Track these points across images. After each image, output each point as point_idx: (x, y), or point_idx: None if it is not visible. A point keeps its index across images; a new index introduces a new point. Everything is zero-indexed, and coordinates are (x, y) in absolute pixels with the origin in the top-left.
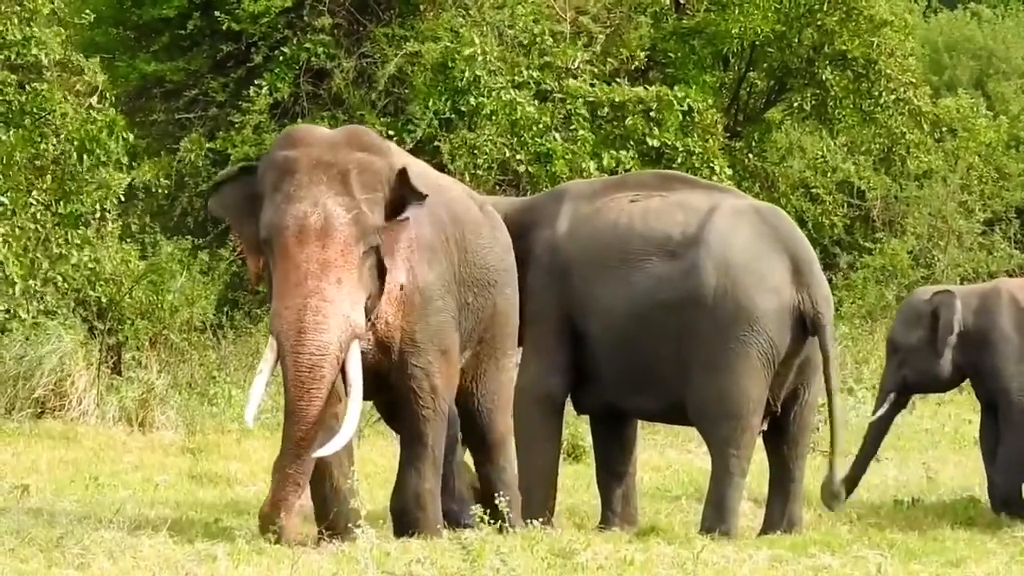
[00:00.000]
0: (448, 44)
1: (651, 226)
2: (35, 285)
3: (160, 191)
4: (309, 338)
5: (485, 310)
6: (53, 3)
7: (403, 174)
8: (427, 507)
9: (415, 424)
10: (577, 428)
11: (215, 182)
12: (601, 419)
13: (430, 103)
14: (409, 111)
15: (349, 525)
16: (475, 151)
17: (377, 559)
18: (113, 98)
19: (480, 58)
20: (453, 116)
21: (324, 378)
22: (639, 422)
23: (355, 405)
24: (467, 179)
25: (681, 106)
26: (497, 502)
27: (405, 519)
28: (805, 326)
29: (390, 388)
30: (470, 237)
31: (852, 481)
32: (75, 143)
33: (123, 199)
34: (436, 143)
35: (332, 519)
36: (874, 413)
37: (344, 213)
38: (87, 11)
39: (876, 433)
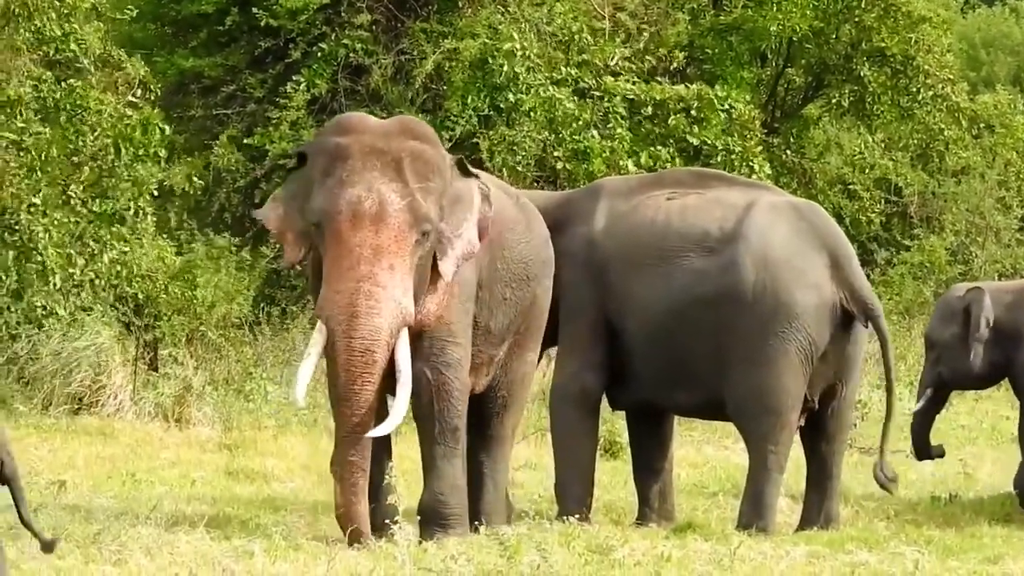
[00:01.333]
0: (487, 40)
1: (689, 223)
2: (73, 279)
3: (195, 190)
4: (362, 322)
5: (524, 302)
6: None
7: (461, 162)
8: (461, 502)
9: (448, 417)
10: (614, 424)
11: (288, 169)
12: (637, 415)
13: (468, 100)
14: (447, 107)
15: (386, 521)
16: (515, 148)
17: (414, 555)
18: (157, 91)
19: (519, 54)
20: (492, 113)
21: (376, 363)
22: (675, 418)
23: (404, 391)
24: (505, 175)
25: (723, 106)
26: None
27: (438, 514)
28: (843, 322)
29: (416, 379)
30: (506, 234)
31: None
32: (111, 139)
33: (158, 195)
34: (475, 140)
35: (370, 515)
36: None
37: (398, 199)
38: (128, 7)
39: (918, 427)
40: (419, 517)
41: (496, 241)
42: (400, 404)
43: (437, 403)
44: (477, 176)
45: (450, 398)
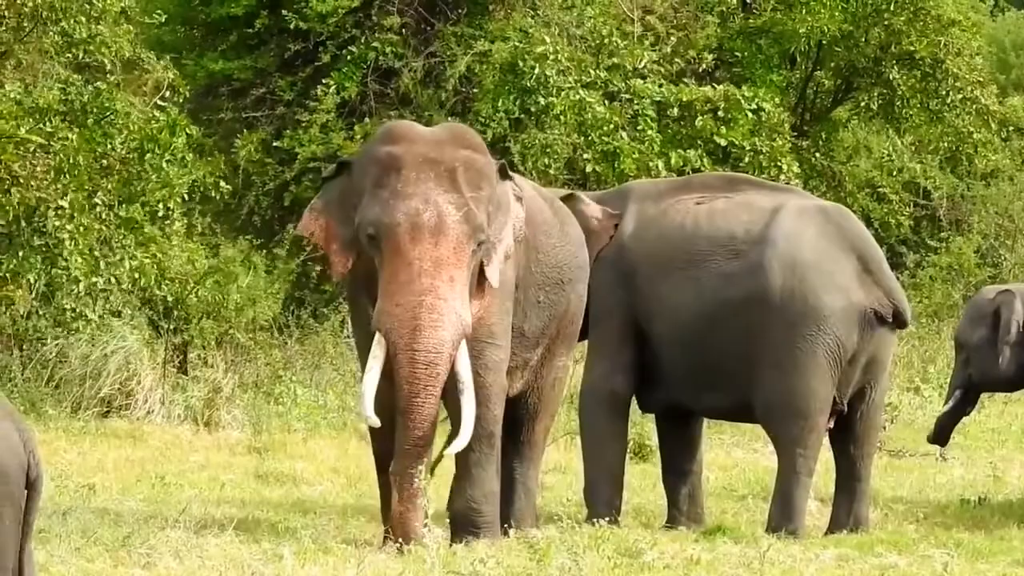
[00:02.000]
0: (518, 44)
1: (717, 226)
2: (100, 283)
3: (223, 192)
4: (425, 335)
5: (559, 306)
6: (123, 2)
7: (503, 168)
8: (494, 508)
9: (483, 422)
10: (643, 428)
11: (323, 177)
12: (666, 418)
13: (499, 103)
14: (476, 109)
15: (416, 524)
16: (547, 151)
17: (443, 558)
18: (185, 95)
19: (551, 57)
20: (522, 116)
21: (439, 376)
22: (704, 421)
23: (469, 403)
24: (536, 178)
25: (750, 106)
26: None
27: (471, 521)
28: (872, 325)
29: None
30: (541, 237)
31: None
32: (136, 142)
33: (187, 198)
34: (506, 143)
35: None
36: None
37: (455, 211)
38: (157, 11)
39: (944, 420)
40: (450, 522)
41: (531, 243)
42: (467, 417)
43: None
44: (512, 179)
45: (487, 402)
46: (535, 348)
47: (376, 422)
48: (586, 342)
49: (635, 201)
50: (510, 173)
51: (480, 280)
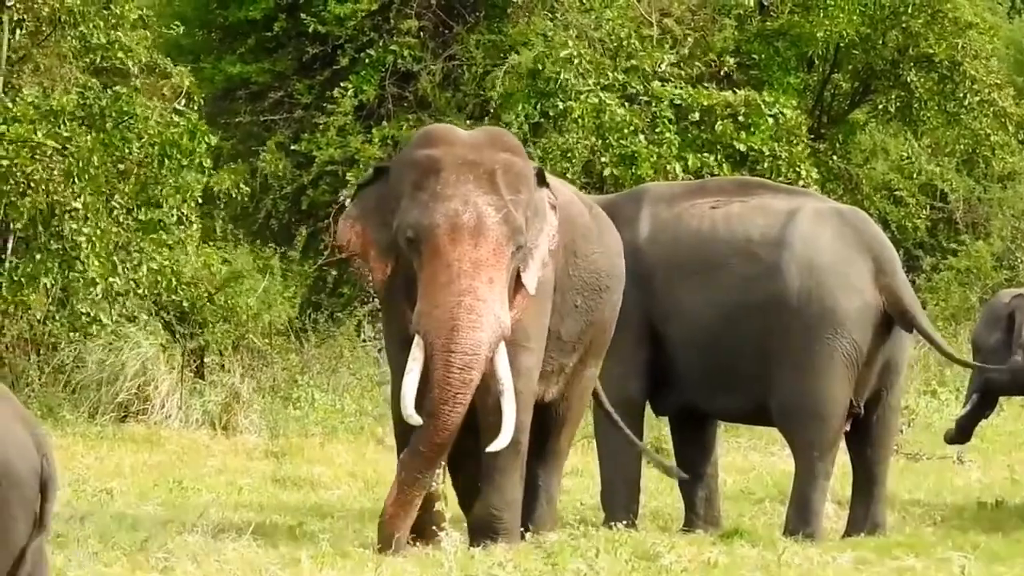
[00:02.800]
0: (541, 49)
1: (733, 230)
2: (117, 287)
3: (241, 196)
4: (463, 336)
5: (595, 313)
6: (142, 10)
7: (541, 173)
8: (515, 516)
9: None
10: (661, 431)
11: (359, 184)
12: (681, 421)
13: (519, 108)
14: (497, 113)
15: (433, 528)
16: (569, 155)
17: (460, 562)
18: (201, 101)
19: (576, 61)
20: (542, 120)
21: (473, 380)
22: (720, 424)
23: (509, 405)
24: None
25: (770, 111)
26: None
27: (491, 528)
28: (887, 327)
29: (486, 389)
30: (580, 242)
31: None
32: (156, 147)
33: (202, 202)
34: (527, 148)
35: (417, 522)
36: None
37: (495, 212)
38: (175, 21)
39: (963, 422)
40: (469, 527)
41: (569, 247)
42: (508, 418)
43: (500, 414)
44: (548, 185)
45: (518, 408)
46: (571, 354)
47: (418, 420)
48: None
49: (649, 204)
50: (548, 179)
51: (517, 286)
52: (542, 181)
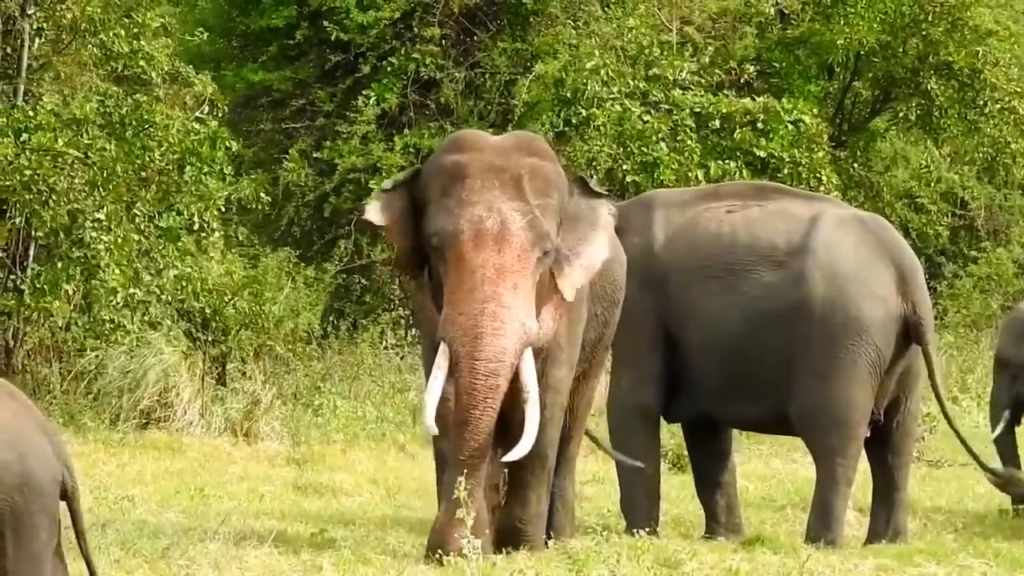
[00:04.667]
0: (568, 59)
1: (755, 235)
2: (139, 295)
3: (263, 204)
4: (487, 343)
5: (606, 323)
6: (164, 19)
7: (582, 181)
8: (539, 530)
9: (539, 443)
10: (682, 438)
11: (380, 190)
12: (694, 429)
13: (543, 117)
14: (519, 121)
15: (455, 535)
16: (594, 163)
17: (483, 570)
18: (225, 109)
19: (602, 71)
20: (565, 128)
21: (499, 387)
22: (739, 431)
23: (533, 412)
24: None
25: (789, 118)
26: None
27: (514, 539)
28: (909, 335)
29: (515, 403)
30: None
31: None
32: (176, 155)
33: (224, 210)
34: None
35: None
36: (993, 431)
37: (520, 218)
38: (198, 29)
39: (1005, 449)
40: (494, 538)
41: None
42: (531, 426)
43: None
44: (605, 196)
45: (547, 422)
46: (583, 361)
47: (435, 430)
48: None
49: (661, 209)
50: (598, 190)
51: (552, 292)
52: (590, 190)
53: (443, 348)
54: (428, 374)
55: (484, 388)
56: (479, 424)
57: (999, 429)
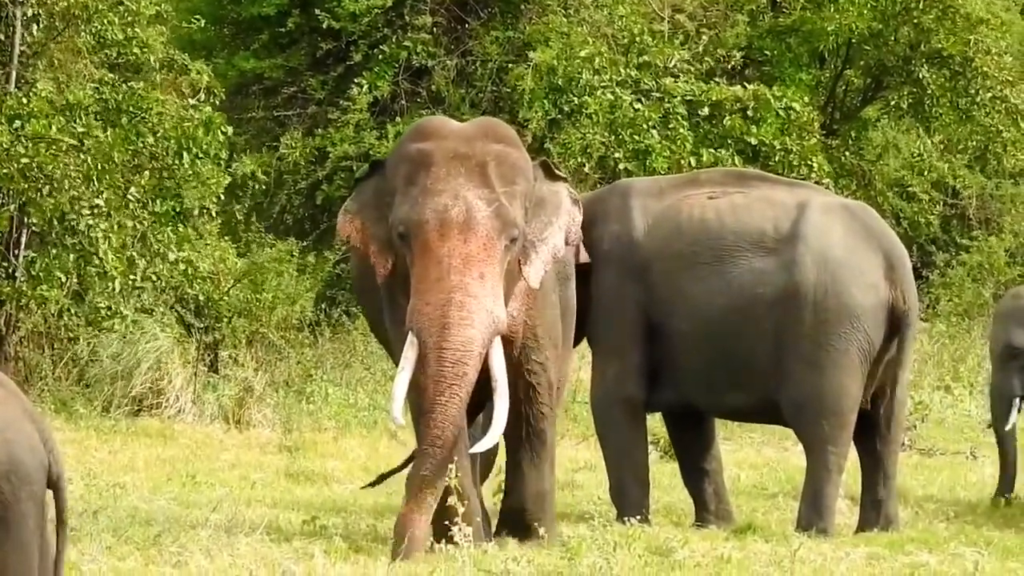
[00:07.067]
0: (560, 47)
1: (743, 221)
2: (134, 281)
3: (258, 188)
4: (454, 333)
5: (565, 304)
6: (159, 6)
7: (546, 164)
8: (549, 507)
9: (535, 422)
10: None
11: (356, 178)
12: (676, 419)
13: (536, 105)
14: (512, 109)
15: (446, 523)
16: (588, 150)
17: (474, 557)
18: (221, 96)
19: (596, 59)
20: (558, 116)
21: (467, 375)
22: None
23: (502, 402)
24: (572, 178)
25: (779, 105)
26: None
27: (525, 519)
28: (896, 322)
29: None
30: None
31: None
32: (171, 140)
33: (222, 197)
34: (544, 144)
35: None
36: (996, 421)
37: (485, 206)
38: (193, 16)
39: (1007, 446)
40: (499, 521)
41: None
42: (499, 415)
43: (525, 407)
44: (565, 179)
45: (536, 403)
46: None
47: (402, 421)
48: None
49: (638, 196)
50: (559, 173)
51: (519, 279)
52: (552, 174)
53: (411, 339)
54: (397, 362)
55: (451, 376)
56: (446, 411)
57: (1009, 423)
